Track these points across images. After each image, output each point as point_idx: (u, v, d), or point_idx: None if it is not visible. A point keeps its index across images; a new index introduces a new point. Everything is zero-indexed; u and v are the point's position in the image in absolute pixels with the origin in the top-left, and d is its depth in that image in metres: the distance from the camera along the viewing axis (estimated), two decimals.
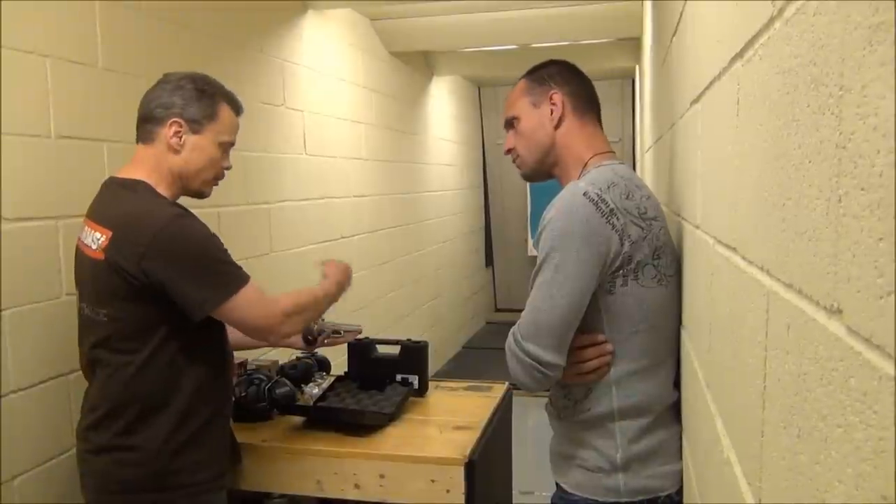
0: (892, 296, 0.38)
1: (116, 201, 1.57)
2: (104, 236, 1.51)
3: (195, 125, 1.60)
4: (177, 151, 1.59)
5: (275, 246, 3.11)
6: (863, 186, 0.43)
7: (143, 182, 1.58)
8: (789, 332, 0.58)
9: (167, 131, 1.58)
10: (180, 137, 1.59)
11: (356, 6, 4.01)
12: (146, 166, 1.59)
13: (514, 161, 1.57)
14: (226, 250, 1.58)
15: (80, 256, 1.59)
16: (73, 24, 1.94)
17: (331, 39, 3.77)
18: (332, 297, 1.78)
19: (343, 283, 1.83)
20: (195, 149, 1.60)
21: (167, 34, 2.35)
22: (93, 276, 1.54)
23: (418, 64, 5.45)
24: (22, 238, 1.75)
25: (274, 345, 1.65)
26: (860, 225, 0.43)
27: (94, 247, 1.52)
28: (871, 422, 0.41)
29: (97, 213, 1.57)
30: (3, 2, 1.69)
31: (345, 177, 3.93)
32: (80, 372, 1.72)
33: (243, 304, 1.55)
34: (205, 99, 1.61)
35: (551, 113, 1.48)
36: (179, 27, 2.42)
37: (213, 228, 2.68)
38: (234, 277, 1.56)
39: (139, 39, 2.20)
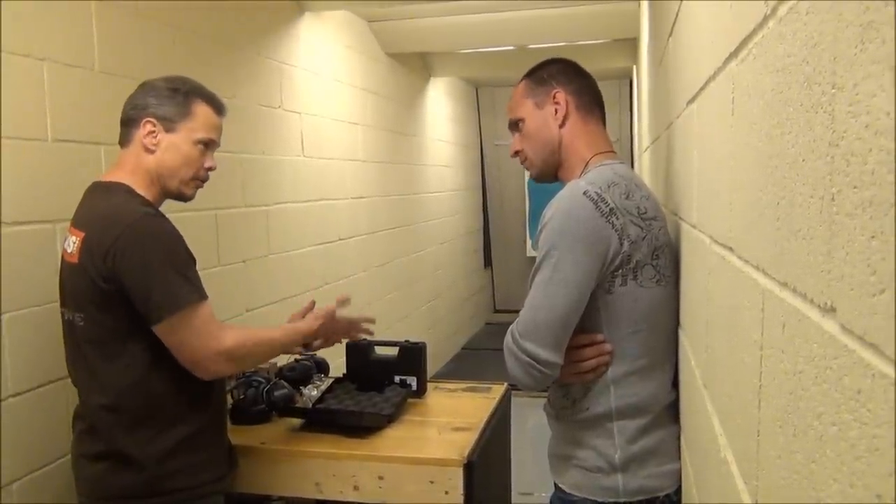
0: (885, 293, 0.38)
1: (93, 204, 1.56)
2: (78, 239, 1.50)
3: (168, 123, 1.58)
4: (151, 151, 1.57)
5: (273, 248, 3.11)
6: (855, 184, 0.43)
7: (123, 184, 1.56)
8: (784, 331, 0.58)
9: (141, 131, 1.57)
10: (154, 136, 1.57)
11: (353, 8, 4.01)
12: (126, 169, 1.58)
13: (522, 163, 1.57)
14: (190, 261, 1.53)
15: (62, 261, 1.59)
16: (69, 27, 1.93)
17: (328, 41, 3.77)
18: (293, 344, 1.75)
19: (317, 333, 1.77)
20: (169, 148, 1.58)
21: (164, 37, 2.35)
22: (71, 281, 1.53)
23: (415, 65, 5.45)
24: (19, 242, 1.74)
25: (204, 378, 1.54)
26: (853, 223, 0.43)
27: (69, 250, 1.52)
28: (866, 420, 0.41)
29: (77, 218, 1.57)
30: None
31: (343, 178, 3.93)
32: None
33: (187, 324, 1.47)
34: (178, 97, 1.59)
35: (556, 112, 1.48)
36: (176, 30, 2.41)
37: (211, 231, 2.69)
38: (189, 291, 1.49)
39: (136, 42, 2.20)
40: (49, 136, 1.85)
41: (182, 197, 1.64)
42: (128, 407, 1.51)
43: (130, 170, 1.58)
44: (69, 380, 1.85)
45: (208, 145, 1.63)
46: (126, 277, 1.45)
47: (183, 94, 1.60)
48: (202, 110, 1.62)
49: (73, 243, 1.51)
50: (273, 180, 3.13)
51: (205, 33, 2.60)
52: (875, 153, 0.40)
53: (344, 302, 1.85)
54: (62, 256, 1.58)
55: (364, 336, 1.97)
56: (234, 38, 2.82)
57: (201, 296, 1.51)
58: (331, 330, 1.83)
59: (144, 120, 1.57)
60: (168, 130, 1.58)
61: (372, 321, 1.98)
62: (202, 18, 2.58)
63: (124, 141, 1.60)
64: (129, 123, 1.59)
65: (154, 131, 1.57)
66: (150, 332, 1.49)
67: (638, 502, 1.38)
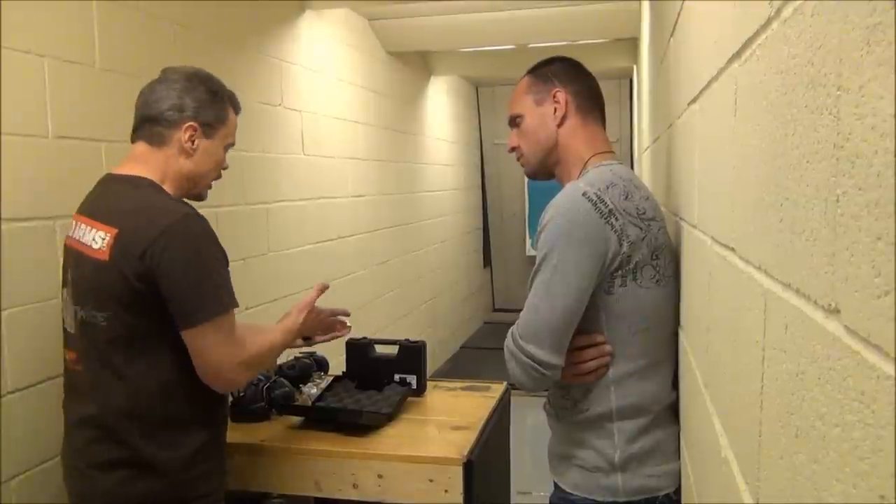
0: (890, 295, 0.38)
1: (120, 198, 1.49)
2: (109, 235, 1.42)
3: (208, 129, 1.54)
4: (189, 155, 1.53)
5: (272, 246, 3.11)
6: (860, 186, 0.43)
7: (147, 179, 1.50)
8: (787, 332, 0.58)
9: (182, 135, 1.51)
10: (193, 142, 1.53)
11: (354, 6, 4.01)
12: (150, 167, 1.52)
13: (518, 159, 1.58)
14: (226, 264, 1.50)
15: (77, 256, 1.49)
16: (70, 24, 1.93)
17: (328, 39, 3.77)
18: (286, 345, 1.70)
19: (304, 326, 1.72)
20: (206, 153, 1.55)
21: (165, 34, 2.35)
22: (94, 278, 1.44)
23: (416, 64, 5.45)
24: (19, 238, 1.74)
25: (219, 390, 1.53)
26: (858, 224, 0.43)
27: (96, 246, 1.43)
28: (869, 421, 0.41)
29: (97, 211, 1.49)
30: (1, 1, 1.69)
31: (342, 177, 3.93)
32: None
33: (218, 331, 1.44)
34: (217, 102, 1.56)
35: (555, 111, 1.48)
36: (177, 27, 2.41)
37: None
38: (225, 295, 1.46)
39: (137, 39, 2.20)
40: (50, 132, 1.85)
41: (200, 198, 1.62)
42: (151, 411, 1.45)
43: (156, 168, 1.52)
44: None
45: (230, 147, 1.64)
46: (164, 278, 1.39)
47: (220, 98, 1.57)
48: (232, 116, 1.61)
49: (101, 238, 1.43)
50: (273, 178, 3.13)
51: (206, 31, 2.60)
52: (881, 155, 0.40)
53: (323, 289, 1.79)
54: (80, 252, 1.47)
55: (345, 330, 1.94)
56: (234, 35, 2.82)
57: (233, 302, 1.49)
58: (316, 321, 1.77)
59: (187, 125, 1.52)
60: (206, 136, 1.55)
61: (347, 314, 1.91)
62: (203, 16, 2.58)
63: (154, 140, 1.52)
64: (162, 123, 1.52)
65: (194, 136, 1.53)
66: (177, 334, 1.44)
67: (637, 502, 1.38)
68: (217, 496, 1.55)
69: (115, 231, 1.42)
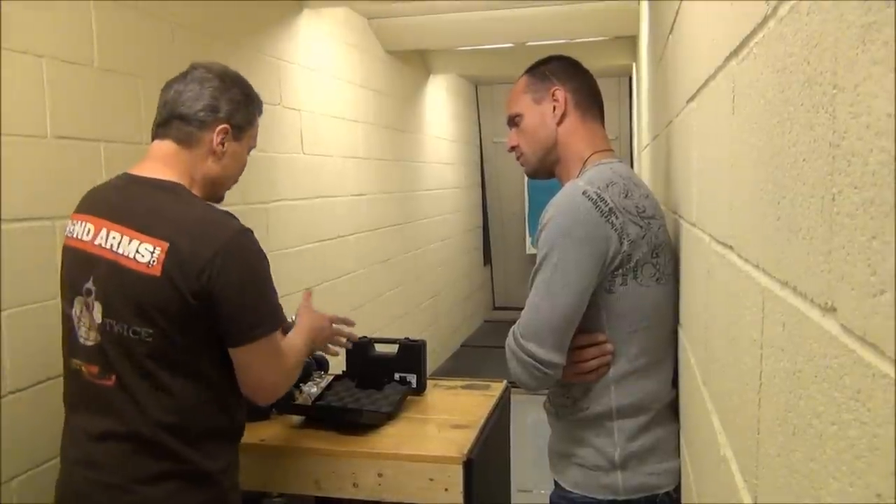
0: (886, 293, 0.38)
1: (161, 207, 1.40)
2: (159, 249, 1.33)
3: (238, 132, 1.49)
4: (218, 158, 1.47)
5: (272, 245, 3.11)
6: (856, 185, 0.43)
7: (181, 184, 1.43)
8: (784, 330, 0.58)
9: (214, 137, 1.45)
10: (223, 144, 1.47)
11: (353, 5, 4.01)
12: (177, 169, 1.44)
13: (517, 159, 1.58)
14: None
15: (104, 265, 1.37)
16: (68, 24, 1.93)
17: (327, 38, 3.77)
18: (307, 347, 1.64)
19: (309, 326, 1.66)
20: (233, 156, 1.50)
21: (163, 33, 2.35)
22: (139, 293, 1.35)
23: (415, 62, 5.44)
24: (18, 238, 1.74)
25: (261, 403, 1.53)
26: (854, 223, 0.43)
27: (142, 260, 1.34)
28: (865, 419, 0.41)
29: (129, 218, 1.38)
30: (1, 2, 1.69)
31: (342, 176, 3.93)
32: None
33: (270, 348, 1.42)
34: (249, 105, 1.52)
35: (553, 110, 1.48)
36: (175, 26, 2.41)
37: None
38: (278, 314, 1.45)
39: (135, 39, 2.20)
40: (48, 132, 1.85)
41: (219, 201, 1.55)
42: (194, 423, 1.40)
43: (183, 171, 1.44)
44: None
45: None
46: (220, 296, 1.35)
47: (252, 101, 1.54)
48: (258, 118, 1.57)
49: (147, 252, 1.34)
50: (272, 178, 3.13)
51: (204, 30, 2.60)
52: (876, 154, 0.40)
53: (308, 295, 1.77)
54: (114, 262, 1.36)
55: (348, 336, 1.94)
56: (233, 34, 2.82)
57: (283, 318, 1.48)
58: (317, 321, 1.72)
59: (221, 127, 1.46)
60: (235, 139, 1.49)
61: (351, 323, 1.90)
62: (201, 15, 2.58)
63: (185, 141, 1.45)
64: (194, 124, 1.44)
65: (225, 139, 1.47)
66: (218, 349, 1.41)
67: (637, 500, 1.39)
68: None
69: (165, 245, 1.34)
